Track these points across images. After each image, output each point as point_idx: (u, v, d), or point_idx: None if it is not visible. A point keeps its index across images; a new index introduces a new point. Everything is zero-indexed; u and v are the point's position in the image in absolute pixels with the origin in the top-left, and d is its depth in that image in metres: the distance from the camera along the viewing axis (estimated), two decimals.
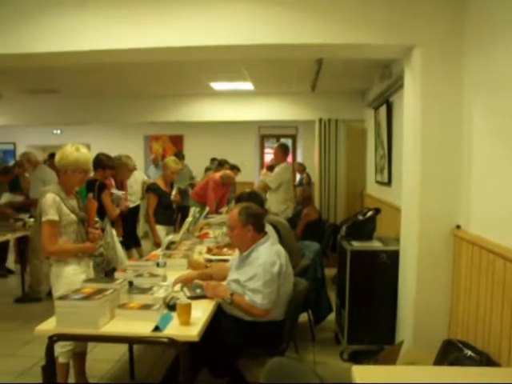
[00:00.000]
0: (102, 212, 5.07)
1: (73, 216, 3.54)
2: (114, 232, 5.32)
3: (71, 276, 3.52)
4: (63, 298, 2.94)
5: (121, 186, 6.14)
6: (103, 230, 5.02)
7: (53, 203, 3.43)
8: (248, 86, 7.95)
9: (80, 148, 3.59)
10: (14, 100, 9.10)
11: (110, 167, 5.54)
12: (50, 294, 5.83)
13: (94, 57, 4.37)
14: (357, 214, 5.18)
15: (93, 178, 5.32)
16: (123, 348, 4.57)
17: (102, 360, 4.57)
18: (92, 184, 5.17)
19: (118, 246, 5.33)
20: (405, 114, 4.15)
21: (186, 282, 3.66)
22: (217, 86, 8.00)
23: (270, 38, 3.87)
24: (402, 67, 4.38)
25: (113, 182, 6.06)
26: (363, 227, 4.86)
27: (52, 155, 8.61)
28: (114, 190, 5.79)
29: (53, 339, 2.86)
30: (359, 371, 2.24)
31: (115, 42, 4.04)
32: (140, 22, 3.97)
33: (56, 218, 3.43)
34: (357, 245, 4.58)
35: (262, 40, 3.88)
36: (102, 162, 5.49)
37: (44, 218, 3.43)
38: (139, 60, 4.97)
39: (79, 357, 3.86)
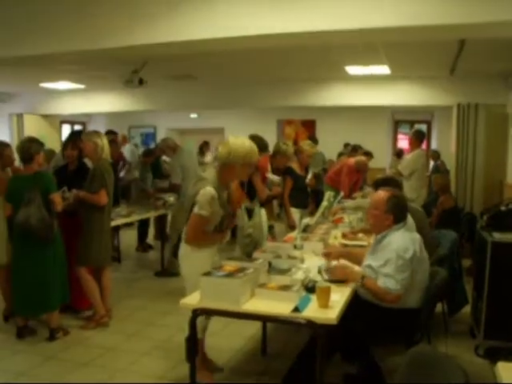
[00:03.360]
0: (251, 193, 5.18)
1: (221, 212, 3.63)
2: (263, 212, 5.38)
3: (199, 258, 3.63)
4: (208, 274, 3.08)
5: (276, 171, 6.16)
6: (252, 210, 5.14)
7: (211, 200, 3.49)
8: (384, 69, 7.75)
9: (245, 141, 3.65)
10: (157, 86, 9.49)
11: (263, 149, 5.45)
12: None
13: (234, 43, 4.51)
14: (498, 204, 4.94)
15: None
16: (255, 326, 4.69)
17: (236, 336, 4.76)
18: None
19: (265, 227, 5.40)
20: None
21: (334, 256, 3.75)
22: (352, 69, 7.89)
23: (412, 20, 3.74)
24: None
25: (269, 167, 6.14)
26: (506, 218, 4.62)
27: (149, 151, 8.88)
28: (270, 175, 5.86)
29: (196, 313, 3.02)
30: (506, 368, 2.13)
31: (256, 28, 4.12)
32: (282, 7, 4.00)
33: (208, 215, 3.51)
34: (498, 236, 4.37)
35: (404, 22, 3.77)
36: (256, 144, 5.43)
37: (196, 210, 3.51)
38: (279, 45, 5.02)
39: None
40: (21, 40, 4.97)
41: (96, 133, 5.12)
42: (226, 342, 4.38)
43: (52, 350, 4.53)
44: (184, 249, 3.73)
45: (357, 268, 3.59)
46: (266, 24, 4.06)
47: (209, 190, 3.49)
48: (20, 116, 11.48)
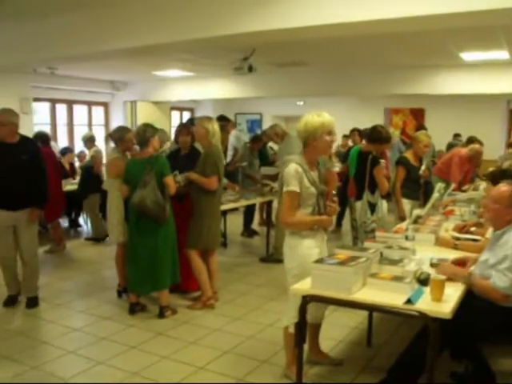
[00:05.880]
0: (373, 186, 5.11)
1: (313, 189, 3.52)
2: (385, 206, 5.29)
3: (305, 249, 3.53)
4: (319, 261, 3.09)
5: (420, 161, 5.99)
6: (375, 204, 5.08)
7: (295, 174, 3.45)
8: (503, 54, 7.41)
9: (320, 113, 3.57)
10: (264, 73, 9.58)
11: (387, 141, 5.30)
12: None
13: (343, 29, 4.49)
14: None
15: (366, 149, 5.24)
16: (361, 316, 4.67)
17: (341, 325, 4.74)
18: (365, 156, 5.10)
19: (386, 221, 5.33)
20: None
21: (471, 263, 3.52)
22: (467, 56, 7.58)
23: None
24: None
25: (388, 154, 5.91)
26: None
27: (256, 137, 8.82)
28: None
29: (306, 299, 3.03)
30: None
31: (364, 14, 4.08)
32: None
33: (297, 189, 3.45)
34: None
35: None
36: (380, 134, 5.24)
37: (285, 189, 3.48)
38: (387, 31, 4.90)
39: (314, 328, 3.92)
40: (139, 31, 5.19)
41: (208, 118, 5.23)
42: (330, 331, 4.36)
43: (161, 326, 4.74)
44: (287, 239, 3.65)
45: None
46: (373, 9, 4.02)
47: (291, 166, 3.48)
48: (134, 103, 12.09)
